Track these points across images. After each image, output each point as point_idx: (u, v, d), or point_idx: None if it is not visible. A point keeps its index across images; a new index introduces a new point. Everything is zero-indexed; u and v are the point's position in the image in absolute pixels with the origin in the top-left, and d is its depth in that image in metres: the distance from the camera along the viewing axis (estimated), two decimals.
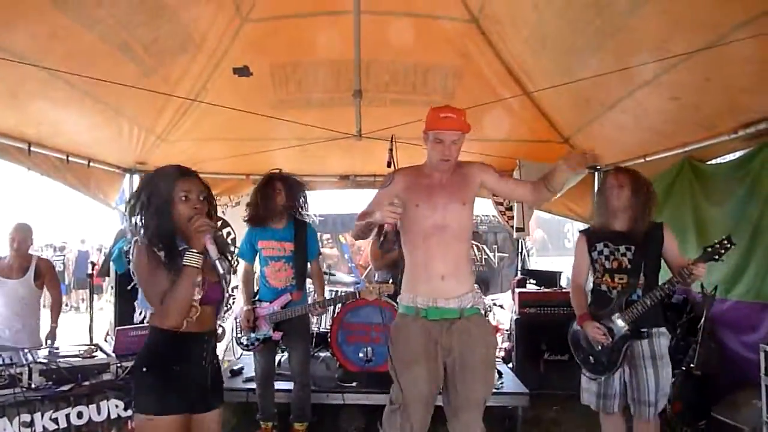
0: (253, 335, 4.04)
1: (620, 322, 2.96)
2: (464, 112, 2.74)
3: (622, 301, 3.00)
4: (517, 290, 5.73)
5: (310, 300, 4.23)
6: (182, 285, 2.09)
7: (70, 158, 5.19)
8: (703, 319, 4.32)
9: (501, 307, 6.77)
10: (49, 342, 4.31)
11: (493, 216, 6.93)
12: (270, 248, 4.08)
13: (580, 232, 3.41)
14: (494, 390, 4.35)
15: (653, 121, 4.58)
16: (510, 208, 6.22)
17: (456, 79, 5.00)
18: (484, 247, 9.49)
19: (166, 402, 2.12)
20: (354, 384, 4.50)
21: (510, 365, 5.42)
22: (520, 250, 8.53)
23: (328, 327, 4.96)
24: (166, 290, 2.09)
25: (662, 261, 3.15)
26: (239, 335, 4.19)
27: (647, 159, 5.25)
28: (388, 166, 5.31)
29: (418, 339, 2.64)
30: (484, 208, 8.16)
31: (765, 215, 3.83)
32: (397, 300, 2.83)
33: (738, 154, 4.41)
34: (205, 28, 4.39)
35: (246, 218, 4.22)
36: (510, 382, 4.60)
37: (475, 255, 9.26)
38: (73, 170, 5.32)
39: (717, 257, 2.89)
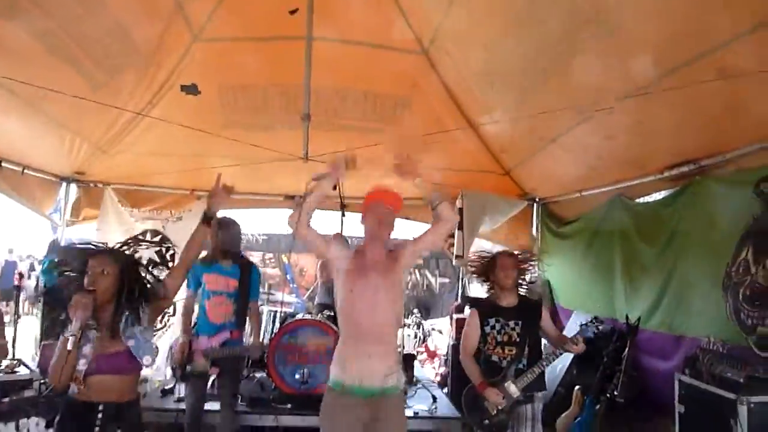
0: (188, 368, 3.94)
1: (513, 388, 3.31)
2: (398, 195, 2.97)
3: (512, 370, 3.37)
4: (455, 316, 5.86)
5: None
6: (58, 353, 2.21)
7: (3, 164, 5.01)
8: (627, 348, 4.56)
9: (440, 332, 6.88)
10: None
11: None
12: (214, 282, 4.05)
13: (471, 307, 3.77)
14: (428, 414, 4.46)
15: (589, 158, 4.82)
16: (451, 235, 6.36)
17: (405, 108, 5.13)
18: (426, 272, 9.63)
19: None
20: (289, 406, 4.47)
21: (445, 390, 5.50)
22: (460, 277, 8.71)
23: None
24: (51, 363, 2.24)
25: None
26: (173, 365, 4.11)
27: (582, 193, 5.51)
28: (334, 188, 5.39)
29: (343, 416, 2.77)
30: None
31: (681, 253, 4.10)
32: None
33: (664, 193, 4.70)
34: (156, 45, 4.36)
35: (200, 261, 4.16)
36: (444, 407, 4.68)
37: (416, 280, 9.39)
38: (5, 176, 5.12)
39: (593, 334, 3.51)
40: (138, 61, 4.40)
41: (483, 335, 3.51)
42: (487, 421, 3.34)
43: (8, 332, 4.04)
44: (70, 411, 2.35)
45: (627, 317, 4.59)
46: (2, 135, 4.71)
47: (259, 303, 4.50)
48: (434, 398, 4.73)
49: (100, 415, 2.31)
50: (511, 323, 3.47)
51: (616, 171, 4.83)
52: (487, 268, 3.67)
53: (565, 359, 5.20)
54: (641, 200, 4.91)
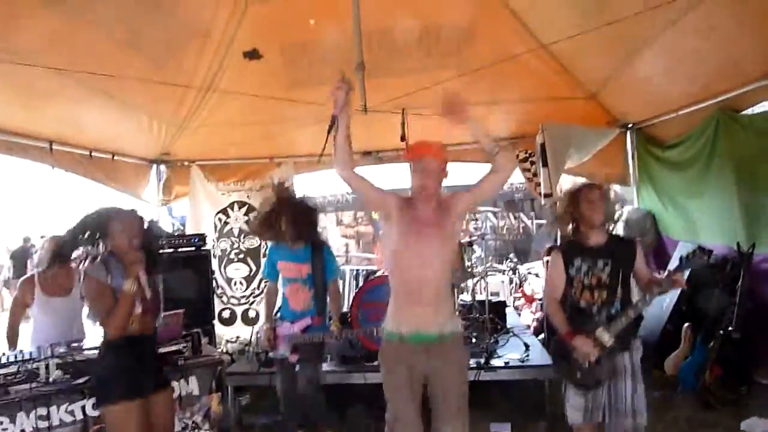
0: (271, 354, 4.02)
1: (606, 336, 2.89)
2: (441, 145, 2.83)
3: (603, 316, 2.96)
4: (546, 258, 5.55)
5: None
6: (121, 307, 2.61)
7: (93, 153, 5.32)
8: (741, 279, 4.08)
9: (536, 275, 6.59)
10: None
11: (525, 182, 6.68)
12: (288, 269, 3.98)
13: (553, 248, 3.42)
14: (519, 363, 4.28)
15: (682, 68, 4.29)
16: (536, 174, 5.98)
17: (467, 40, 4.78)
18: (521, 215, 9.24)
19: (125, 392, 2.58)
20: (376, 363, 4.44)
21: (541, 336, 5.27)
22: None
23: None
24: (110, 308, 2.61)
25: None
26: (257, 350, 4.23)
27: (679, 113, 4.94)
28: (402, 140, 5.22)
29: (401, 365, 2.76)
30: (517, 176, 7.91)
31: None
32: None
33: None
34: (209, 15, 4.35)
35: (257, 233, 4.12)
36: (537, 355, 4.45)
37: (512, 223, 9.04)
38: (97, 165, 5.45)
39: (696, 266, 2.91)
40: (196, 34, 4.42)
41: (568, 279, 3.09)
42: (579, 375, 2.98)
43: None
44: (117, 348, 2.67)
45: (738, 245, 4.09)
46: (89, 127, 4.98)
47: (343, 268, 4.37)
48: (527, 346, 4.53)
49: (145, 344, 2.79)
50: (600, 263, 3.01)
51: (713, 81, 4.26)
52: (570, 206, 3.15)
53: (673, 293, 4.77)
54: (750, 111, 4.32)
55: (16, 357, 3.11)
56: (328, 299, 3.98)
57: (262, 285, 6.68)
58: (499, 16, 4.53)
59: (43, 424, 2.89)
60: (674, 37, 3.83)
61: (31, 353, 3.17)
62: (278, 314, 4.15)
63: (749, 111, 4.30)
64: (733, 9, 3.30)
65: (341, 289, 4.53)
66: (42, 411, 2.89)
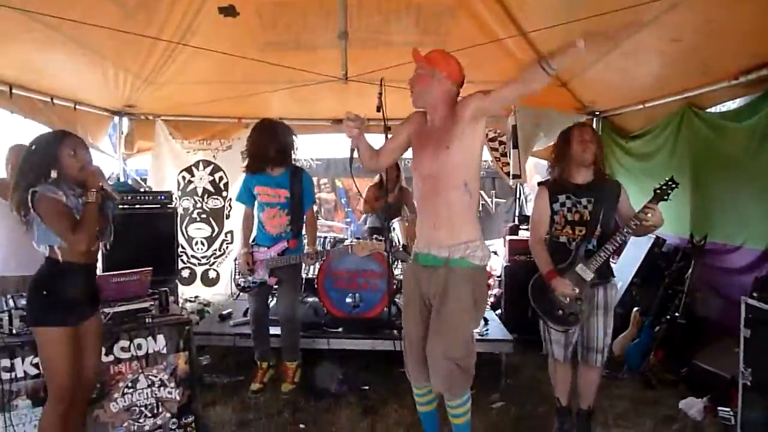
0: (250, 278, 4.10)
1: (587, 272, 2.99)
2: (439, 50, 2.74)
3: (582, 251, 3.04)
4: (508, 237, 5.71)
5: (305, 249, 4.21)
6: (89, 217, 2.60)
7: (55, 100, 5.10)
8: (691, 268, 4.32)
9: (495, 253, 6.76)
10: None
11: (491, 161, 6.81)
12: (265, 194, 4.07)
13: (539, 184, 3.35)
14: (478, 337, 4.43)
15: (653, 66, 4.42)
16: (504, 154, 6.11)
17: (450, 19, 4.79)
18: (482, 192, 9.40)
19: (66, 318, 2.62)
20: (340, 329, 4.54)
21: (498, 312, 5.45)
22: (517, 196, 8.48)
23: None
24: (75, 223, 2.56)
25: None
26: (236, 277, 4.24)
27: (646, 105, 5.11)
28: (378, 110, 5.20)
29: (410, 283, 2.81)
30: (483, 154, 8.03)
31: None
32: None
33: (739, 101, 4.29)
34: None
35: (243, 168, 4.22)
36: (495, 328, 4.62)
37: None
38: (58, 113, 5.22)
39: (666, 197, 2.93)
40: None
41: (552, 214, 3.17)
42: (560, 312, 3.06)
43: None
44: (65, 273, 2.67)
45: (691, 235, 4.32)
46: (52, 72, 4.76)
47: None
48: (485, 320, 4.68)
49: (92, 273, 2.87)
50: (584, 200, 3.08)
51: (683, 78, 4.42)
52: (562, 147, 3.20)
53: (625, 279, 5.01)
54: (714, 110, 4.51)
55: None
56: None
57: (224, 246, 6.65)
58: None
59: (6, 376, 2.83)
60: (647, 36, 3.93)
61: None
62: (254, 240, 4.21)
63: (713, 109, 4.48)
64: (705, 14, 3.41)
65: None
66: (5, 363, 2.83)
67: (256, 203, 4.16)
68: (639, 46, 4.14)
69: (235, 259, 4.28)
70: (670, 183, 2.92)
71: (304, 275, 4.98)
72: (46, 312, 2.61)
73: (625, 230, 2.96)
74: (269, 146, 4.01)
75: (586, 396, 3.29)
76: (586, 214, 3.07)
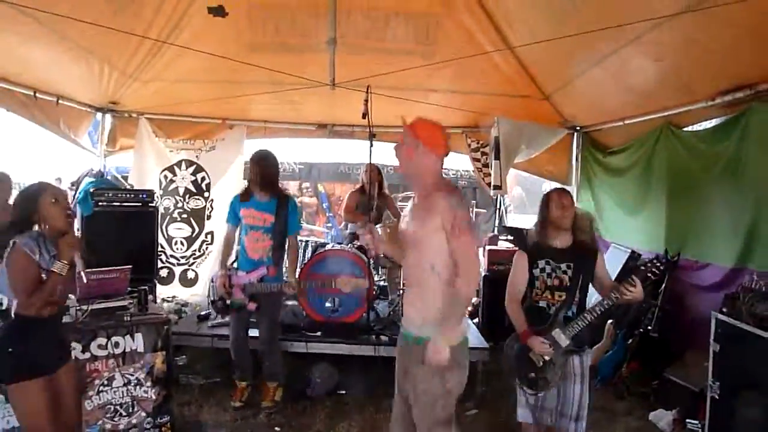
0: (228, 301, 4.05)
1: (562, 337, 2.99)
2: (424, 122, 2.66)
3: (561, 317, 3.04)
4: (488, 247, 5.79)
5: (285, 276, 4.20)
6: (48, 287, 2.52)
7: (38, 94, 5.04)
8: (663, 283, 4.42)
9: None
10: None
11: (473, 171, 6.89)
12: (250, 217, 4.07)
13: (518, 249, 3.36)
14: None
15: (635, 83, 4.52)
16: (486, 165, 6.18)
17: (437, 28, 4.85)
18: None
19: (32, 370, 2.54)
20: (318, 333, 4.56)
21: (475, 320, 5.51)
22: (498, 207, 8.58)
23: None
24: (35, 288, 2.50)
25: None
26: (213, 297, 4.21)
27: (626, 122, 5.22)
28: (363, 117, 5.25)
29: (397, 358, 2.77)
30: (463, 163, 8.11)
31: (741, 185, 3.87)
32: None
33: (715, 121, 4.40)
34: None
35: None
36: (471, 336, 4.64)
37: None
38: (41, 107, 5.16)
39: (651, 275, 2.94)
40: None
41: (531, 279, 3.16)
42: (533, 374, 3.03)
43: None
44: (30, 327, 2.61)
45: (666, 251, 4.43)
46: (35, 65, 4.70)
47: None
48: None
49: (58, 323, 2.79)
50: (563, 266, 3.09)
51: (663, 97, 4.51)
52: (541, 210, 3.23)
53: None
54: (690, 129, 4.63)
55: None
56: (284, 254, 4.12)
57: (204, 247, 6.61)
58: (472, 11, 4.62)
59: None
60: (630, 55, 4.02)
61: None
62: (234, 263, 4.22)
63: (691, 128, 4.59)
64: (687, 35, 3.51)
65: None
66: None
67: (240, 225, 4.15)
68: (622, 64, 4.24)
69: (212, 279, 4.26)
70: (657, 263, 2.94)
71: None
72: (10, 366, 2.53)
73: (605, 302, 2.94)
74: (263, 176, 4.05)
75: None
76: (566, 280, 3.08)
